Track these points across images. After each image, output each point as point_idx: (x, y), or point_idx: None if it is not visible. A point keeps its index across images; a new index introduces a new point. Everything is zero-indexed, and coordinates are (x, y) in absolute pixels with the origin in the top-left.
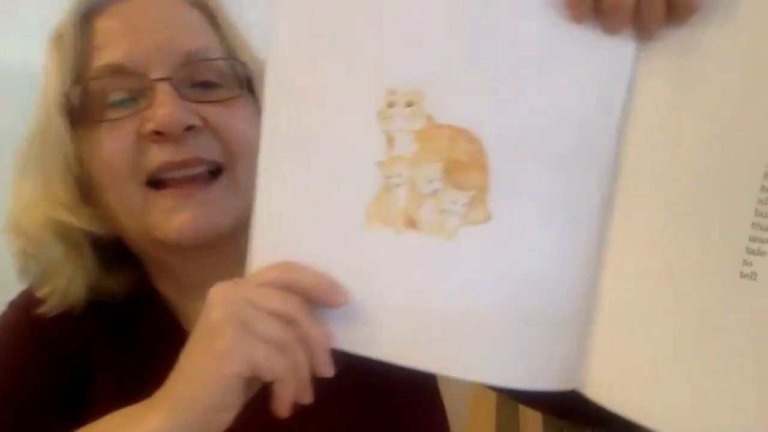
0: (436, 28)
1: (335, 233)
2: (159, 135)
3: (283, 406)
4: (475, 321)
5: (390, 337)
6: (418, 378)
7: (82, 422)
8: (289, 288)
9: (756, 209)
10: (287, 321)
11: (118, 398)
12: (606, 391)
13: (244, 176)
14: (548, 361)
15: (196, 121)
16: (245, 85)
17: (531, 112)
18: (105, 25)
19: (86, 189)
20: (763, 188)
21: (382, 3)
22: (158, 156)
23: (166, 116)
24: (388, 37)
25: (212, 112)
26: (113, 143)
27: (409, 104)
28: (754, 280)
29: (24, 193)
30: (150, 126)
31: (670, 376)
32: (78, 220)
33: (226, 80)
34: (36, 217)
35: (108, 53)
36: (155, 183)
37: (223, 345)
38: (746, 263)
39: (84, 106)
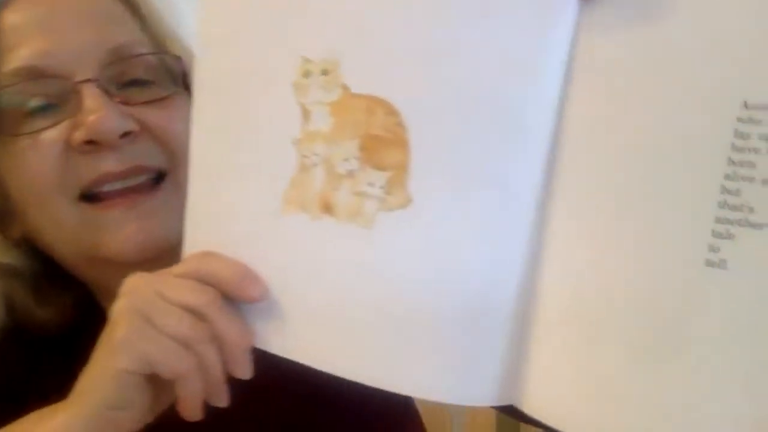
0: None
1: (255, 222)
2: (92, 144)
3: (186, 407)
4: (396, 324)
5: (309, 339)
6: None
7: None
8: (205, 280)
9: (722, 185)
10: (199, 316)
11: None
12: (549, 408)
13: (186, 182)
14: (481, 372)
15: (132, 126)
16: (180, 80)
17: (456, 79)
18: (14, 20)
19: (15, 206)
20: (730, 161)
21: None
22: (93, 168)
23: (98, 123)
24: (302, 2)
25: (148, 114)
26: (37, 157)
27: (325, 72)
28: (724, 268)
29: None
30: (80, 135)
31: (627, 390)
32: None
33: (159, 77)
34: None
35: (21, 54)
36: (90, 196)
37: (117, 338)
38: (713, 249)
39: None
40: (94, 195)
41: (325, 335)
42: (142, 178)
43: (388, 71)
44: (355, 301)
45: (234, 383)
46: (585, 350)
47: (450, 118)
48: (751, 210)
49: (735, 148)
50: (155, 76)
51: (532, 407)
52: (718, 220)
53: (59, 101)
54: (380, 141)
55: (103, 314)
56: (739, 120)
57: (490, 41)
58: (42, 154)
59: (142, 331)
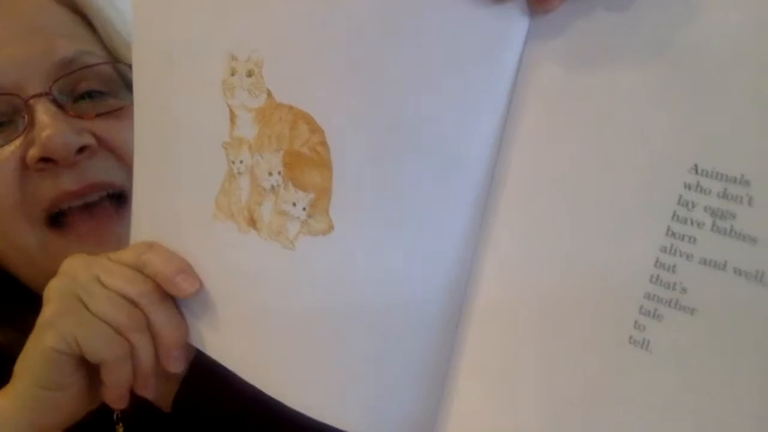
0: None
1: (190, 221)
2: (48, 162)
3: (109, 393)
4: (313, 349)
5: (237, 347)
6: None
7: None
8: (142, 270)
9: (657, 259)
10: (135, 305)
11: None
12: None
13: None
14: (393, 409)
15: (88, 140)
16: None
17: (385, 103)
18: None
19: None
20: (669, 231)
21: None
22: (50, 187)
23: (52, 139)
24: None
25: (105, 128)
26: None
27: (250, 74)
28: (646, 349)
29: None
30: (35, 152)
31: None
32: None
33: (114, 87)
34: None
35: None
36: (54, 221)
37: (47, 316)
38: (638, 327)
39: None
40: (57, 218)
41: (251, 346)
42: (102, 194)
43: (311, 82)
44: (275, 319)
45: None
46: (506, 398)
47: (377, 145)
48: (684, 290)
49: (677, 218)
50: (110, 87)
51: None
52: (648, 296)
53: (11, 118)
54: (303, 159)
55: None
56: (686, 186)
57: (432, 62)
58: (1, 176)
59: (73, 311)
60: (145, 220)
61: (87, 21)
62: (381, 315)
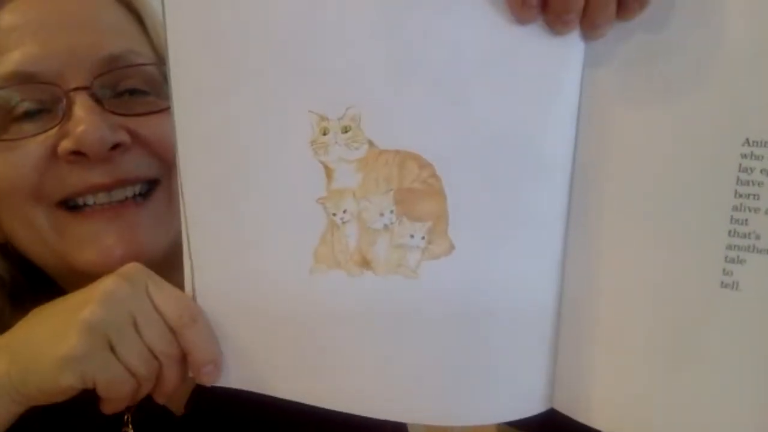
0: (361, 36)
1: (279, 278)
2: (79, 155)
3: (107, 406)
4: (442, 364)
5: (352, 388)
6: None
7: None
8: (177, 336)
9: (731, 216)
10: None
11: None
12: (581, 408)
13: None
14: (527, 388)
15: (123, 138)
16: None
17: (479, 126)
18: (10, 21)
19: None
20: (737, 194)
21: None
22: (79, 178)
23: (86, 135)
24: (309, 53)
25: (142, 125)
26: (18, 161)
27: (345, 130)
28: (736, 289)
29: None
30: (67, 145)
31: (657, 396)
32: None
33: (156, 87)
34: None
35: (13, 58)
36: (70, 206)
37: (73, 350)
38: (726, 273)
39: None
40: (75, 205)
41: (373, 383)
42: (129, 191)
43: (413, 123)
44: (399, 348)
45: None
46: (619, 364)
47: (478, 163)
48: (758, 237)
49: (740, 182)
50: (152, 87)
51: (566, 408)
52: (730, 247)
53: (49, 107)
54: (415, 193)
55: None
56: (743, 156)
57: (510, 91)
58: (24, 158)
59: (100, 354)
60: (211, 277)
61: (139, 19)
62: (505, 314)
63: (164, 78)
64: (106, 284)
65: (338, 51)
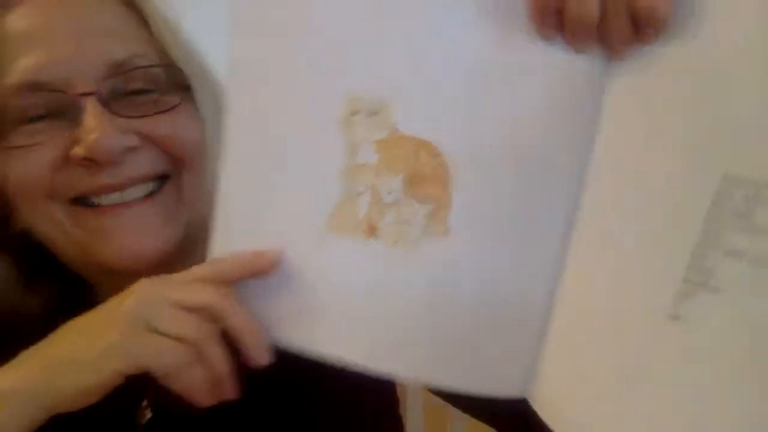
0: (395, 36)
1: (294, 239)
2: (91, 161)
3: (192, 396)
4: (432, 326)
5: (356, 341)
6: (375, 393)
7: None
8: (216, 282)
9: (693, 251)
10: (206, 316)
11: None
12: (549, 407)
13: (189, 186)
14: (508, 369)
15: (132, 142)
16: (184, 88)
17: (494, 128)
18: (15, 25)
19: (2, 203)
20: (704, 229)
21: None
22: (90, 180)
23: (98, 143)
24: (349, 42)
25: (150, 125)
26: (31, 167)
27: (373, 113)
28: (683, 321)
29: None
30: (80, 152)
31: (608, 412)
32: None
33: (161, 86)
34: None
35: (22, 67)
36: (83, 202)
37: (113, 339)
38: (676, 305)
39: None
40: (88, 202)
41: (371, 335)
42: (140, 191)
43: (434, 117)
44: (393, 307)
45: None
46: (582, 368)
47: (488, 163)
48: (712, 275)
49: (710, 217)
50: (158, 86)
51: (538, 404)
52: (685, 280)
53: (59, 113)
54: (424, 178)
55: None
56: (718, 192)
57: (529, 99)
58: (37, 162)
59: (140, 334)
60: (235, 237)
61: (143, 20)
62: (491, 301)
63: (168, 76)
64: (134, 285)
65: (376, 49)
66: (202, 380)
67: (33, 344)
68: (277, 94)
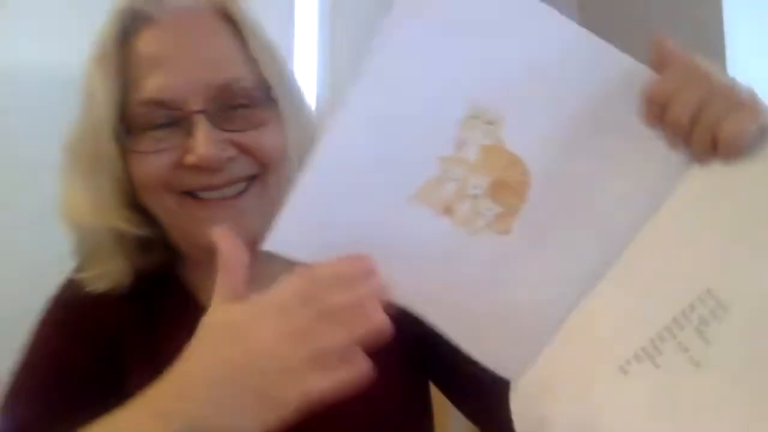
0: (523, 75)
1: (381, 202)
2: (198, 167)
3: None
4: (466, 295)
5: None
6: None
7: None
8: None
9: (658, 332)
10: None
11: (151, 376)
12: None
13: (273, 184)
14: (503, 350)
15: (231, 153)
16: (273, 100)
17: (576, 170)
18: (145, 49)
19: (133, 193)
20: (675, 319)
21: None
22: (197, 180)
23: (206, 154)
24: (486, 64)
25: (245, 138)
26: (150, 167)
27: (489, 123)
28: (626, 375)
29: (75, 195)
30: (192, 159)
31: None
32: (126, 225)
33: (257, 102)
34: (89, 220)
35: (148, 87)
36: (192, 194)
37: (284, 365)
38: (627, 362)
39: (128, 130)
40: (194, 195)
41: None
42: (235, 189)
43: (534, 145)
44: (448, 282)
45: None
46: (562, 366)
47: (559, 194)
48: (660, 354)
49: (683, 314)
50: (254, 102)
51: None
52: (643, 348)
53: (176, 124)
54: (506, 186)
55: (178, 282)
56: (698, 298)
57: (612, 159)
58: (157, 163)
59: (308, 362)
60: (320, 196)
61: (244, 45)
62: (516, 299)
63: (263, 94)
64: (289, 293)
65: (509, 79)
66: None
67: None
68: (414, 79)
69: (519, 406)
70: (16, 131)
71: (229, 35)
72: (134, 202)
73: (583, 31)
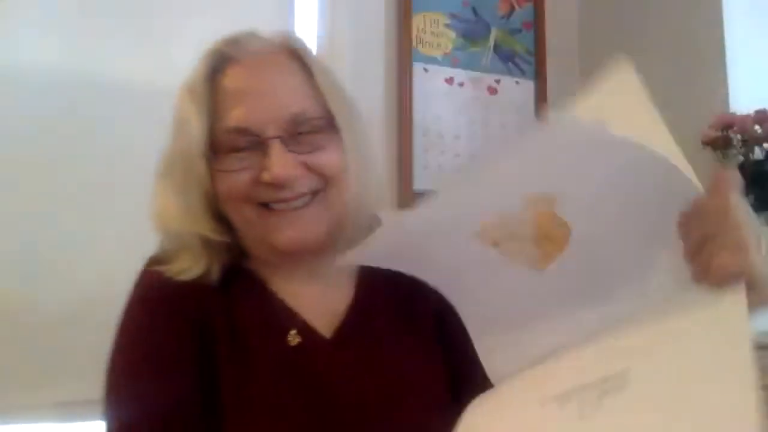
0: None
1: (453, 234)
2: (273, 184)
3: None
4: (491, 299)
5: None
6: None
7: (213, 380)
8: None
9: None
10: None
11: (233, 354)
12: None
13: (334, 197)
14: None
15: (299, 172)
16: (333, 129)
17: (608, 256)
18: (229, 85)
19: (215, 205)
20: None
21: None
22: (272, 194)
23: (281, 174)
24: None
25: (312, 159)
26: (234, 183)
27: (544, 201)
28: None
29: (169, 204)
30: (267, 177)
31: None
32: (209, 232)
33: (321, 128)
34: (179, 225)
35: (233, 116)
36: (267, 205)
37: None
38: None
39: (214, 152)
40: (269, 206)
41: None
42: (301, 201)
43: (580, 220)
44: (488, 291)
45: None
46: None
47: (593, 259)
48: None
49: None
50: (319, 128)
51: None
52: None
53: (255, 147)
54: (551, 240)
55: (249, 274)
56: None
57: (633, 263)
58: (238, 181)
59: None
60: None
61: (312, 80)
62: (533, 317)
63: (325, 122)
64: None
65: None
66: None
67: (213, 299)
68: (511, 175)
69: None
70: (16, 131)
71: (298, 72)
72: (216, 212)
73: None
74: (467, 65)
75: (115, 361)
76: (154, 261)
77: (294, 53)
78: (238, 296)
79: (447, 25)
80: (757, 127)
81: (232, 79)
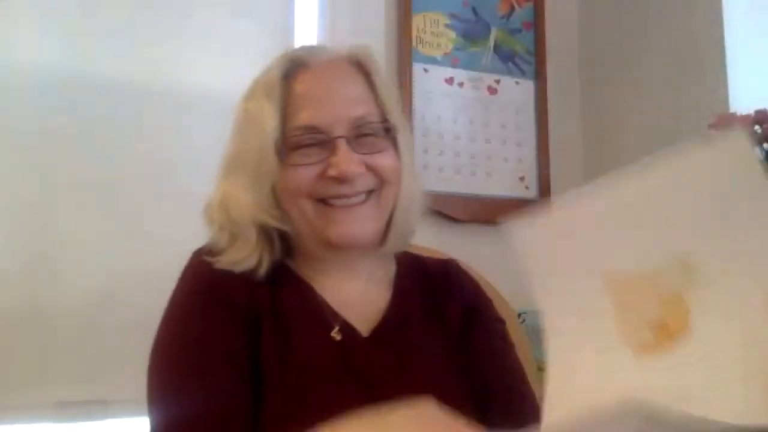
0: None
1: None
2: (337, 179)
3: None
4: None
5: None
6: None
7: (258, 370)
8: None
9: None
10: None
11: (277, 346)
12: None
13: (386, 197)
14: None
15: (361, 170)
16: (390, 134)
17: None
18: (300, 88)
19: (280, 198)
20: None
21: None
22: (335, 189)
23: (346, 170)
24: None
25: (371, 159)
26: (300, 177)
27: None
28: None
29: (238, 196)
30: (333, 173)
31: None
32: (275, 222)
33: (378, 131)
34: (245, 214)
35: (303, 116)
36: (326, 201)
37: None
38: None
39: (285, 148)
40: (328, 203)
41: None
42: (358, 199)
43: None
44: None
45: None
46: None
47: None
48: None
49: None
50: (376, 132)
51: None
52: None
53: (322, 145)
54: (668, 329)
55: (292, 272)
56: None
57: None
58: (304, 177)
59: None
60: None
61: (373, 88)
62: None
63: (383, 127)
64: None
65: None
66: None
67: (261, 293)
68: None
69: None
70: (16, 131)
71: (362, 80)
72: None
73: None
74: (467, 65)
75: (163, 353)
76: (204, 252)
77: (358, 63)
78: (282, 292)
79: (447, 25)
80: (757, 127)
81: (303, 83)
